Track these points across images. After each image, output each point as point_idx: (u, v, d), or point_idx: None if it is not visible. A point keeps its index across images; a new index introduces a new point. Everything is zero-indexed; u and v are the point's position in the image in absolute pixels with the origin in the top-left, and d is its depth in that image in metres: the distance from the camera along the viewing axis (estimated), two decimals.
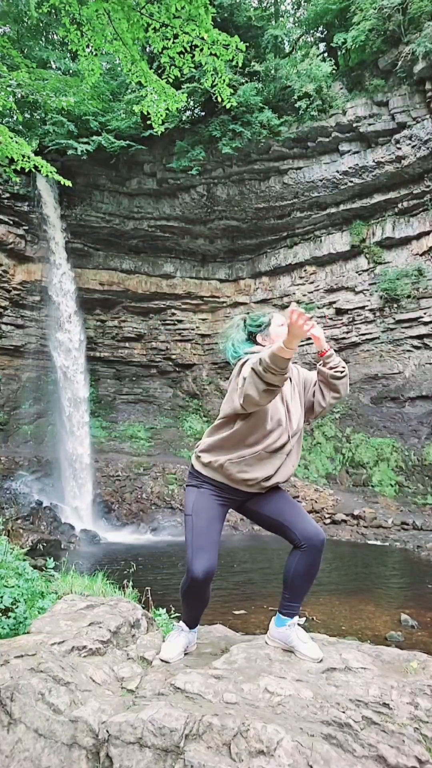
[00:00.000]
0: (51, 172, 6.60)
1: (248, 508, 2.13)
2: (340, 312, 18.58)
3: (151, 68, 5.46)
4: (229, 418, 2.01)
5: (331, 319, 18.90)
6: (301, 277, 19.41)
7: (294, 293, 19.50)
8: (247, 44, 5.77)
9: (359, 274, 18.18)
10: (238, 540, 13.19)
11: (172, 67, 4.93)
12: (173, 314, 20.84)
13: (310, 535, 1.96)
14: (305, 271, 19.29)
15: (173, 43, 4.65)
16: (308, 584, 2.02)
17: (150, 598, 3.36)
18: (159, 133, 6.09)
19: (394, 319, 17.37)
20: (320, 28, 19.42)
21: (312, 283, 19.23)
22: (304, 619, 2.20)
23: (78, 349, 18.06)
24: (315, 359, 1.94)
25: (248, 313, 2.25)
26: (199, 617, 2.13)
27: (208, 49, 4.65)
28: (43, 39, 19.04)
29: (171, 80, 5.17)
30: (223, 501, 2.07)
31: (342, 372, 2.10)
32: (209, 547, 1.93)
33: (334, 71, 16.73)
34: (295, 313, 1.64)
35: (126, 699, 1.70)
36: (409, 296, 16.82)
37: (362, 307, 18.09)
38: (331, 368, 2.09)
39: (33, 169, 6.66)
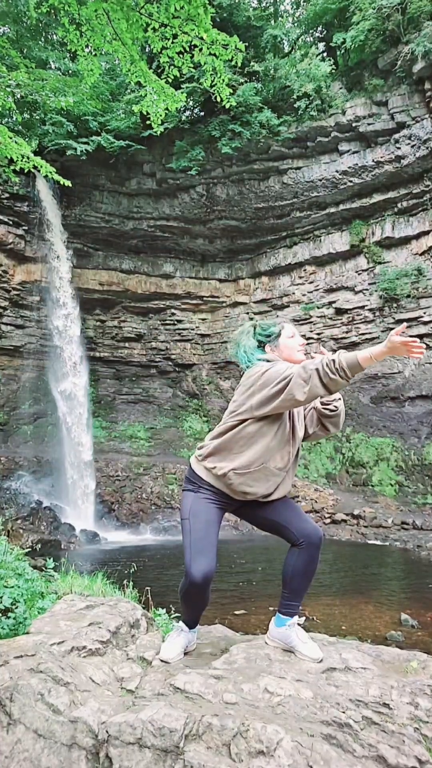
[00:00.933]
0: (50, 172, 6.60)
1: (245, 512, 2.13)
2: (339, 312, 18.58)
3: (150, 68, 5.45)
4: (240, 421, 2.00)
5: (330, 318, 18.91)
6: (300, 277, 19.41)
7: (293, 293, 19.51)
8: (247, 44, 5.78)
9: (359, 274, 18.18)
10: (239, 540, 13.19)
11: (172, 66, 4.93)
12: (173, 314, 20.84)
13: (307, 532, 1.96)
14: (305, 270, 19.30)
15: (172, 42, 4.64)
16: (307, 582, 2.03)
17: (150, 598, 3.36)
18: (158, 133, 6.09)
19: (393, 318, 17.37)
20: (319, 28, 19.44)
21: (311, 282, 19.24)
22: (304, 618, 2.20)
23: (83, 403, 17.68)
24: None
25: (257, 322, 2.24)
26: (199, 618, 2.13)
27: (207, 48, 4.65)
28: (43, 39, 19.04)
29: (170, 80, 5.17)
30: (220, 505, 2.07)
31: (333, 411, 2.07)
32: (207, 550, 1.93)
33: (333, 71, 16.73)
34: (404, 336, 1.73)
35: (126, 699, 1.70)
36: (408, 296, 16.83)
37: (362, 307, 18.10)
38: (323, 403, 2.07)
39: (32, 170, 6.66)
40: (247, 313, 20.20)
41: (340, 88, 16.68)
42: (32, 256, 17.94)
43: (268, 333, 2.15)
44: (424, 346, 1.80)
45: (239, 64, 5.16)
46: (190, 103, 17.22)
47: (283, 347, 2.11)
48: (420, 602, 7.01)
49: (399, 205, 16.93)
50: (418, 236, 16.86)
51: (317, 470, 17.10)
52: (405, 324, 1.91)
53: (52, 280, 18.02)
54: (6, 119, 14.73)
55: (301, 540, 1.97)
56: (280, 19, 21.10)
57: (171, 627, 2.58)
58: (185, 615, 2.11)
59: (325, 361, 1.78)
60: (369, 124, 15.99)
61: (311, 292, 19.22)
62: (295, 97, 16.31)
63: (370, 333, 18.07)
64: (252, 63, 16.31)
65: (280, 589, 2.09)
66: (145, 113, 5.50)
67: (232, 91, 5.41)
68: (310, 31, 20.21)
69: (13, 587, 2.71)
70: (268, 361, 2.05)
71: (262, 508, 2.08)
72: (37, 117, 16.77)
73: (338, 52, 17.31)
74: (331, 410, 2.09)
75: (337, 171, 16.92)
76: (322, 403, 2.09)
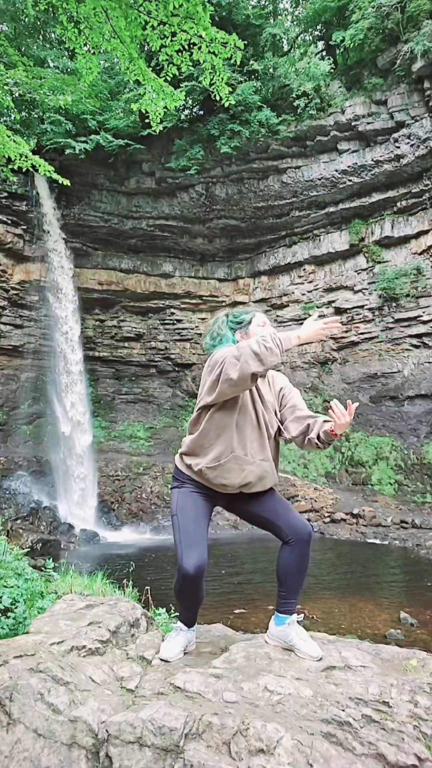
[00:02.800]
0: (49, 171, 6.59)
1: (236, 507, 2.14)
2: (339, 311, 18.58)
3: (149, 66, 5.44)
4: (200, 412, 2.04)
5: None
6: (300, 277, 19.41)
7: (293, 292, 19.51)
8: (246, 42, 5.76)
9: (358, 273, 18.18)
10: (239, 540, 13.20)
11: (170, 65, 4.92)
12: (172, 314, 20.82)
13: (296, 529, 1.97)
14: (304, 270, 19.29)
15: (171, 41, 4.63)
16: (301, 578, 2.03)
17: (150, 598, 3.36)
18: (157, 132, 6.09)
19: (393, 318, 17.37)
20: (319, 27, 19.40)
21: (311, 282, 19.23)
22: (302, 616, 2.20)
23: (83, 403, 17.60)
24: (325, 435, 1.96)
25: (230, 311, 2.25)
26: (196, 615, 2.13)
27: (207, 47, 4.64)
28: (41, 37, 18.99)
29: (169, 78, 5.15)
30: (207, 498, 2.08)
31: (319, 447, 2.01)
32: (197, 544, 1.94)
33: (332, 70, 16.71)
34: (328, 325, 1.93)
35: (125, 698, 1.70)
36: (408, 295, 16.83)
37: (361, 306, 18.09)
38: (320, 439, 1.99)
39: (31, 169, 6.64)
40: None
41: (340, 87, 16.66)
42: (31, 255, 17.91)
43: (239, 320, 2.17)
44: (339, 319, 1.96)
45: (238, 63, 5.15)
46: (189, 101, 17.18)
47: (253, 335, 2.12)
48: (419, 601, 7.02)
49: (398, 204, 16.92)
50: (417, 235, 16.85)
51: (316, 469, 17.11)
52: (317, 312, 2.09)
53: (51, 279, 18.00)
54: (4, 118, 14.71)
55: (290, 537, 1.98)
56: (279, 17, 21.06)
57: (171, 626, 2.58)
58: (182, 613, 2.12)
59: (259, 337, 1.84)
60: (368, 123, 15.97)
61: (311, 291, 19.21)
62: (294, 95, 16.28)
63: (369, 332, 18.08)
64: (251, 62, 16.29)
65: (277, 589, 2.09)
66: (144, 112, 5.49)
67: (231, 90, 5.40)
68: (309, 30, 20.18)
69: (12, 587, 2.70)
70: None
71: (252, 504, 2.08)
72: (36, 115, 16.73)
73: (337, 51, 17.28)
74: (323, 443, 1.99)
75: (336, 170, 16.91)
76: (321, 440, 1.98)
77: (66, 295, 18.11)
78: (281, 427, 2.11)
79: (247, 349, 1.81)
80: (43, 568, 3.64)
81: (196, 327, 20.95)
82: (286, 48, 19.89)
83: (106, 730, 1.48)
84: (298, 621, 2.04)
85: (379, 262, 17.62)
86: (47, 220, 17.60)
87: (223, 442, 1.98)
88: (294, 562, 1.99)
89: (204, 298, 20.76)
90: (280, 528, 2.00)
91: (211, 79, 5.04)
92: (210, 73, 4.95)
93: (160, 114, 5.42)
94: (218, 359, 1.91)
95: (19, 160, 6.34)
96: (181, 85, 14.44)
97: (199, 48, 4.65)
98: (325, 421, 1.99)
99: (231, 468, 1.97)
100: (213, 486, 2.03)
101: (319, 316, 1.98)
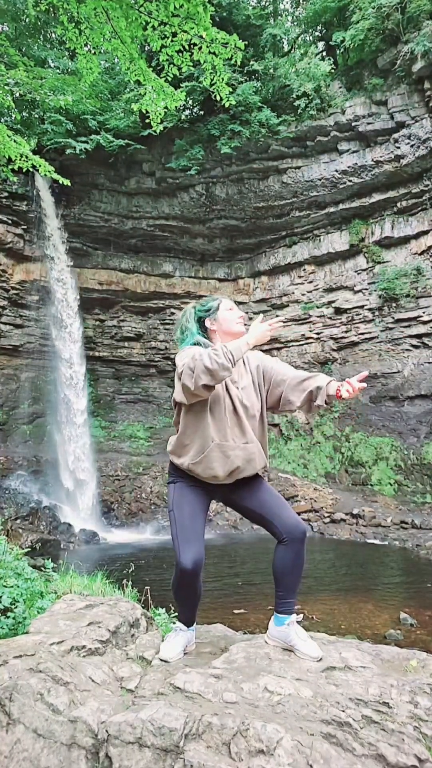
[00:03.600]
0: (49, 172, 6.59)
1: (233, 501, 2.15)
2: (339, 311, 18.59)
3: (149, 66, 5.44)
4: (177, 409, 2.09)
5: (329, 318, 18.90)
6: (300, 277, 19.41)
7: (293, 292, 19.51)
8: (246, 43, 5.76)
9: (358, 274, 18.18)
10: (239, 540, 13.20)
11: (171, 65, 4.92)
12: (172, 314, 20.82)
13: (290, 528, 1.98)
14: (304, 270, 19.29)
15: (172, 41, 4.64)
16: (297, 577, 2.03)
17: (149, 598, 3.36)
18: (157, 132, 6.08)
19: (393, 318, 17.37)
20: (319, 27, 19.41)
21: (311, 282, 19.23)
22: (302, 615, 2.20)
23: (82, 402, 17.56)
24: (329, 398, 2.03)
25: (197, 302, 2.29)
26: (195, 614, 2.13)
27: (207, 47, 4.64)
28: (42, 37, 19.00)
29: (169, 79, 5.15)
30: (203, 492, 2.09)
31: (321, 405, 2.05)
32: (194, 538, 1.95)
33: (332, 70, 16.71)
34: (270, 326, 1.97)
35: (125, 699, 1.70)
36: (408, 295, 16.83)
37: (361, 307, 18.10)
38: (326, 402, 2.04)
39: (31, 169, 6.65)
40: (246, 313, 20.19)
41: (340, 88, 16.67)
42: (31, 255, 17.91)
43: (207, 308, 2.20)
44: (282, 319, 2.02)
45: (239, 63, 5.15)
46: (190, 102, 17.19)
47: (222, 320, 2.16)
48: (419, 601, 7.02)
49: (398, 204, 16.93)
50: (417, 236, 16.86)
51: (316, 469, 17.11)
52: (262, 315, 2.12)
53: (51, 279, 18.00)
54: (5, 118, 14.71)
55: (284, 536, 1.99)
56: (279, 17, 21.07)
57: (171, 626, 2.58)
58: (181, 612, 2.12)
59: (211, 351, 1.89)
60: (368, 124, 15.98)
61: (311, 291, 19.21)
62: (294, 96, 16.29)
63: (369, 333, 18.08)
64: (251, 62, 16.29)
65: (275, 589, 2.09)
66: (144, 112, 5.49)
67: (231, 90, 5.40)
68: (310, 30, 20.19)
69: (12, 587, 2.70)
70: (196, 344, 2.10)
71: (247, 498, 2.09)
72: (36, 115, 16.74)
73: (338, 51, 17.29)
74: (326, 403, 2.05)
75: (336, 170, 16.91)
76: (326, 402, 2.03)
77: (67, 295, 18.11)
78: (284, 401, 2.12)
79: (200, 363, 1.86)
80: (42, 568, 3.64)
81: None
82: (286, 48, 19.90)
83: (106, 731, 1.48)
84: (297, 621, 2.04)
85: (379, 263, 17.62)
86: (47, 220, 17.60)
87: (202, 435, 2.00)
88: (289, 562, 1.99)
89: (204, 298, 20.76)
90: (275, 526, 2.01)
91: (212, 80, 5.04)
92: (210, 73, 4.95)
93: (160, 114, 5.42)
94: (179, 367, 1.99)
95: (20, 160, 6.34)
96: (181, 85, 14.46)
97: (200, 48, 4.65)
98: (328, 383, 2.02)
99: (215, 457, 1.98)
100: (205, 479, 2.04)
101: (277, 317, 2.09)
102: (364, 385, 1.98)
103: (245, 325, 2.19)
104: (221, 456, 1.98)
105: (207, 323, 2.19)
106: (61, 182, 6.94)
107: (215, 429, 2.00)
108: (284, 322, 16.55)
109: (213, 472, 1.99)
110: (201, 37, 4.52)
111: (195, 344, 2.10)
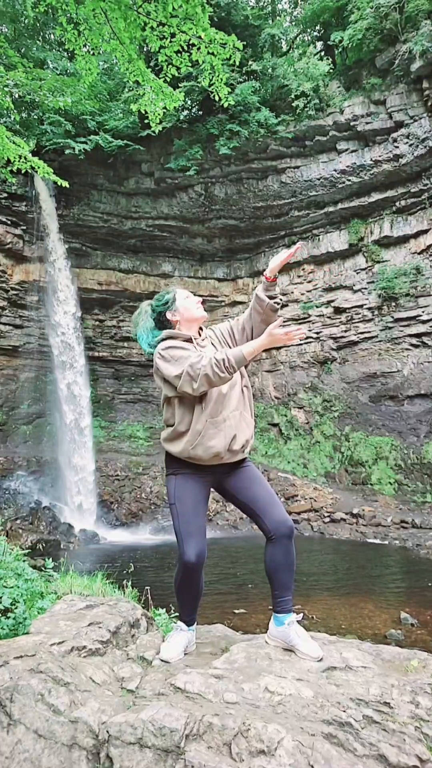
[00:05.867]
0: (48, 173, 6.59)
1: (226, 490, 2.15)
2: (338, 311, 18.59)
3: (148, 67, 5.44)
4: (167, 408, 2.11)
5: (329, 317, 18.91)
6: (299, 276, 19.41)
7: (292, 292, 19.51)
8: (245, 43, 5.75)
9: (357, 273, 18.18)
10: (239, 540, 13.20)
11: (170, 65, 4.92)
12: None
13: (277, 524, 1.99)
14: (303, 269, 19.29)
15: (170, 41, 4.64)
16: (290, 575, 2.04)
17: (150, 598, 3.36)
18: (156, 132, 6.09)
19: (392, 317, 17.38)
20: (317, 27, 19.43)
21: (310, 281, 19.23)
22: (302, 615, 2.20)
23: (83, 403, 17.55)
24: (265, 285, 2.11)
25: (151, 300, 2.30)
26: (195, 611, 2.13)
27: (206, 47, 4.64)
28: (40, 38, 19.00)
29: (168, 79, 5.15)
30: (203, 481, 2.09)
31: (278, 305, 2.11)
32: (197, 532, 1.97)
33: (331, 70, 16.72)
34: (285, 330, 1.92)
35: (126, 699, 1.70)
36: (407, 294, 16.84)
37: (360, 306, 18.10)
38: (271, 297, 2.10)
39: (30, 170, 6.64)
40: None
41: (338, 87, 16.67)
42: (30, 255, 17.91)
43: (164, 302, 2.22)
44: (303, 329, 1.97)
45: (237, 63, 5.16)
46: (188, 102, 17.18)
47: (182, 309, 2.19)
48: (419, 601, 7.02)
49: (397, 204, 16.93)
50: (416, 235, 16.86)
51: (316, 469, 17.11)
52: (282, 318, 2.06)
53: (51, 279, 18.00)
54: (4, 119, 14.71)
55: (272, 533, 2.00)
56: (277, 18, 21.07)
57: (171, 627, 2.58)
58: (182, 610, 2.12)
59: (213, 361, 1.89)
60: (367, 123, 15.98)
61: (310, 291, 19.21)
62: (293, 96, 16.29)
63: (369, 332, 18.08)
64: (250, 62, 16.30)
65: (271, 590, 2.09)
66: (143, 112, 5.49)
67: (230, 90, 5.40)
68: (308, 30, 20.20)
69: (12, 587, 2.70)
70: (163, 339, 2.12)
71: (242, 491, 2.10)
72: (35, 116, 16.73)
73: (336, 51, 17.30)
74: (278, 302, 2.10)
75: (335, 170, 16.92)
76: (270, 296, 2.10)
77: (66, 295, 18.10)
78: (247, 331, 2.20)
79: (202, 371, 1.89)
80: (42, 569, 3.64)
81: None
82: (284, 48, 19.91)
83: (107, 731, 1.48)
84: (297, 621, 2.04)
85: (378, 262, 17.62)
86: (47, 221, 17.60)
87: (195, 418, 2.02)
88: (279, 559, 2.00)
89: (203, 298, 20.74)
90: (263, 521, 2.03)
91: (210, 80, 5.04)
92: (209, 73, 4.95)
93: (159, 114, 5.42)
94: (174, 371, 1.98)
95: (19, 161, 6.34)
96: (180, 85, 14.47)
97: (198, 49, 4.65)
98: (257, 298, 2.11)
99: (212, 434, 1.99)
100: (207, 461, 2.03)
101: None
102: (292, 251, 2.04)
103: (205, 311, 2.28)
104: (216, 430, 2.00)
105: (168, 315, 2.21)
106: (59, 183, 6.94)
107: (206, 409, 2.02)
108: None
109: (214, 449, 1.99)
110: (199, 37, 4.52)
111: (167, 338, 2.13)
